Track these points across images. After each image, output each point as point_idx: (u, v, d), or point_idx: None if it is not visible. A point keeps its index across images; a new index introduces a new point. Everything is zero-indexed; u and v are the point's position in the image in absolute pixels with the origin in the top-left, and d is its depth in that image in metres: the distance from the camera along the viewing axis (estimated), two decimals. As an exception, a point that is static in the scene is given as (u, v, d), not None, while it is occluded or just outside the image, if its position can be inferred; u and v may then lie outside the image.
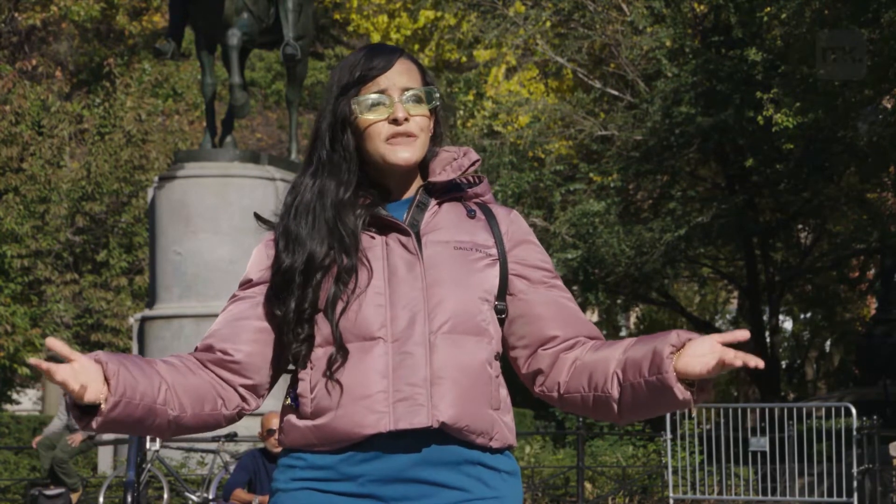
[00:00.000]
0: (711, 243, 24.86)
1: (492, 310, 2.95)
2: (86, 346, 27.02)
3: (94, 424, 2.81)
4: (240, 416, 2.98)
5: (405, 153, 2.92)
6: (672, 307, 28.75)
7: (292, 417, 2.92)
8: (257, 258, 3.02)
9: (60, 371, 2.76)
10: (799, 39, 18.98)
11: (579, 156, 24.71)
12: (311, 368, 2.89)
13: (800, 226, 26.93)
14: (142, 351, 16.82)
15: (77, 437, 16.01)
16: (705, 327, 29.25)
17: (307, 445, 2.90)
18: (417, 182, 3.02)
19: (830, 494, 17.01)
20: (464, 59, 28.11)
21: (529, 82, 27.47)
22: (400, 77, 2.95)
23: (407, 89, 2.94)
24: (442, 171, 3.01)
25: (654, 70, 23.02)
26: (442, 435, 2.86)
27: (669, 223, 22.51)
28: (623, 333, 42.06)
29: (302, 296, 2.89)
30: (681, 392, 2.81)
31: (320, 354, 2.88)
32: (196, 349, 3.02)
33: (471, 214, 3.01)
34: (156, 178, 17.66)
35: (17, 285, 25.17)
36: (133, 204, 25.87)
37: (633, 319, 41.41)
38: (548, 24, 24.38)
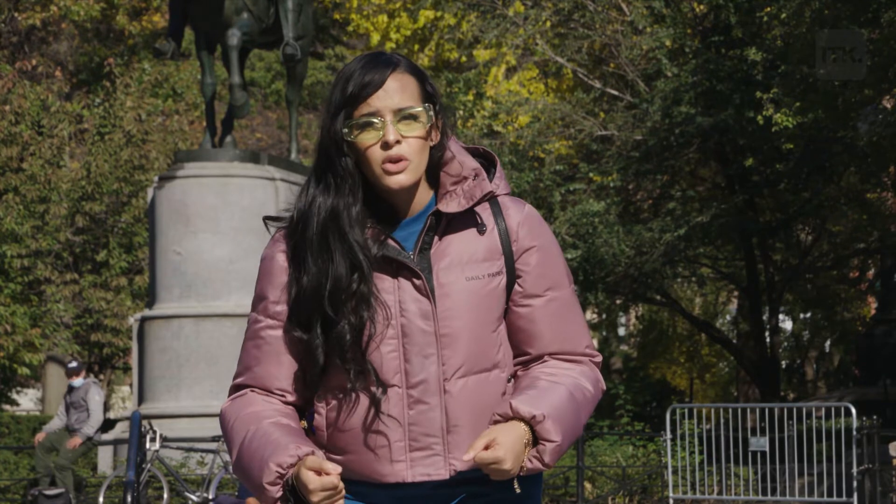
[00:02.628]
0: (711, 243, 24.85)
1: (502, 326, 2.96)
2: (85, 346, 27.03)
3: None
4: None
5: (400, 178, 2.87)
6: (672, 307, 28.74)
7: (310, 441, 2.94)
8: (270, 271, 2.97)
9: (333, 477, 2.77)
10: (799, 39, 18.97)
11: (579, 156, 24.70)
12: (328, 407, 2.91)
13: (800, 226, 26.91)
14: (141, 350, 16.82)
15: (77, 441, 15.99)
16: (705, 327, 29.25)
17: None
18: (426, 192, 2.96)
19: (830, 494, 17.00)
20: (463, 59, 28.11)
21: (529, 82, 27.47)
22: (393, 96, 2.87)
23: (400, 110, 2.87)
24: (452, 197, 2.93)
25: (654, 70, 23.02)
26: (459, 477, 2.90)
27: (669, 223, 22.51)
28: (622, 333, 42.08)
29: (327, 322, 2.87)
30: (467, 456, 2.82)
31: (337, 395, 2.90)
32: (242, 386, 2.99)
33: (481, 231, 2.95)
34: (156, 178, 17.66)
35: (17, 285, 25.17)
36: (133, 204, 25.85)
37: (632, 319, 41.41)
38: (548, 23, 24.37)
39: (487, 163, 3.03)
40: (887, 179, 24.08)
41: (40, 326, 24.99)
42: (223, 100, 24.85)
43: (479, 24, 24.41)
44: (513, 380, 2.97)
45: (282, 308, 2.93)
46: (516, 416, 2.81)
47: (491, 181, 3.00)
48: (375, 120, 2.86)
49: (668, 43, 22.68)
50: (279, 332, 2.94)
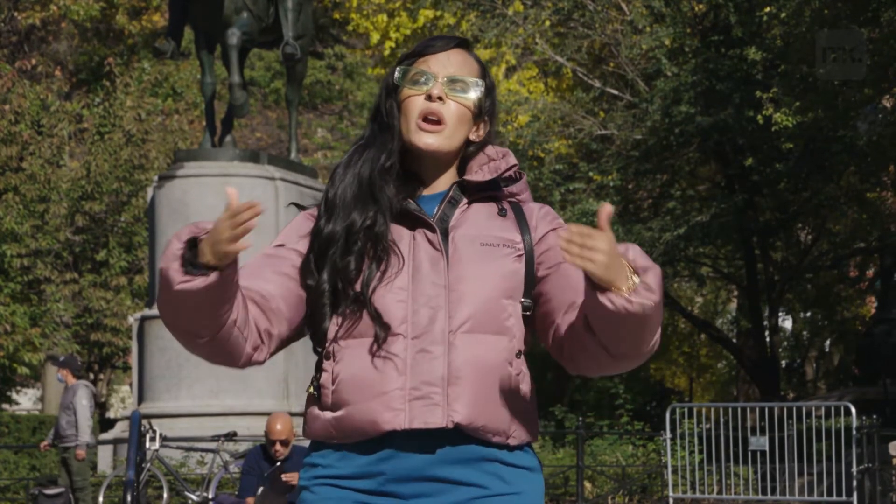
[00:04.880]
0: (711, 243, 24.85)
1: (516, 306, 2.94)
2: (85, 345, 27.02)
3: (200, 282, 2.73)
4: (247, 363, 2.94)
5: (429, 138, 2.93)
6: (672, 307, 28.75)
7: (315, 409, 2.94)
8: (294, 225, 3.02)
9: (242, 211, 2.68)
10: (798, 39, 18.98)
11: (579, 155, 24.71)
12: (334, 361, 2.90)
13: (799, 225, 26.92)
14: (141, 349, 16.83)
15: (81, 453, 15.83)
16: (705, 327, 29.26)
17: (327, 437, 2.92)
18: (452, 177, 3.01)
19: (830, 494, 17.01)
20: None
21: (529, 81, 27.47)
22: (451, 64, 2.98)
23: (453, 77, 2.96)
24: (478, 171, 3.00)
25: (653, 69, 23.02)
26: (458, 434, 2.87)
27: (669, 222, 22.51)
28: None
29: (338, 266, 2.90)
30: (597, 295, 2.70)
31: (342, 346, 2.90)
32: None
33: (502, 213, 3.00)
34: (155, 178, 17.65)
35: (17, 284, 25.17)
36: (133, 203, 25.86)
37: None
38: (547, 23, 24.37)
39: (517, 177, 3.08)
40: (887, 179, 24.09)
41: (40, 326, 24.99)
42: (223, 99, 24.85)
43: (478, 24, 24.40)
44: (522, 356, 2.93)
45: (291, 251, 2.96)
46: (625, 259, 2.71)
47: (516, 191, 3.05)
48: (428, 74, 2.95)
49: (667, 42, 22.68)
50: (282, 263, 2.95)
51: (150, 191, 17.33)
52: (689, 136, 22.22)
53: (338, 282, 2.90)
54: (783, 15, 19.44)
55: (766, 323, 26.36)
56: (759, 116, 19.54)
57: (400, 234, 2.93)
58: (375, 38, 28.84)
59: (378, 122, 3.00)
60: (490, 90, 3.02)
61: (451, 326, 2.86)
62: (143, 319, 16.86)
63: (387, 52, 29.12)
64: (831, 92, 18.86)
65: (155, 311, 16.76)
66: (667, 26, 22.50)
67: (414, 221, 2.93)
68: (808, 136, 21.00)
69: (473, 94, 2.97)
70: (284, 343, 2.99)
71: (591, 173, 23.57)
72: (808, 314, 36.48)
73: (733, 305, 38.38)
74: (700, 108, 21.72)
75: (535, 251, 2.97)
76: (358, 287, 2.88)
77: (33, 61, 29.75)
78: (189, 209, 16.58)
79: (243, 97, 16.89)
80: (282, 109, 33.80)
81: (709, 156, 24.42)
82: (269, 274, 2.95)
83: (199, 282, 2.73)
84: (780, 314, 30.45)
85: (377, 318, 2.86)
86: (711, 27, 22.90)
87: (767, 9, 20.40)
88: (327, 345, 2.92)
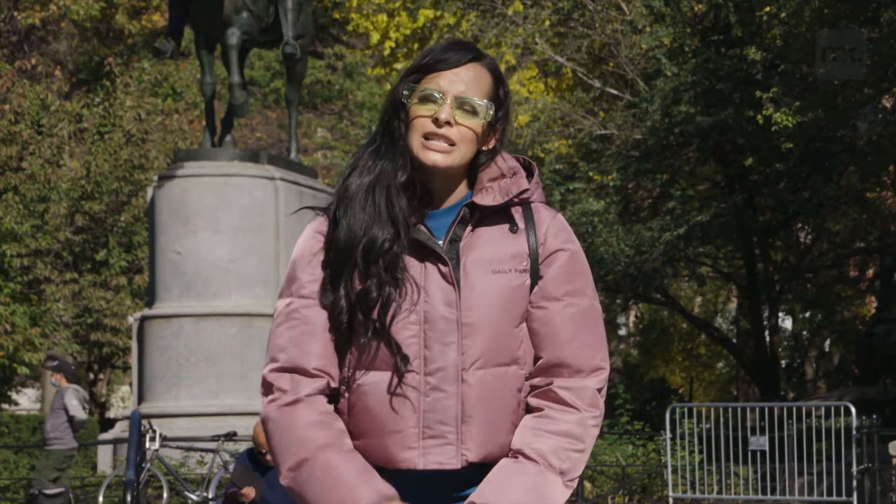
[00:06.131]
0: (711, 242, 24.85)
1: (524, 327, 2.95)
2: (85, 345, 27.02)
3: None
4: None
5: (437, 157, 2.90)
6: (672, 306, 28.76)
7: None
8: (303, 251, 2.97)
9: None
10: (798, 38, 18.98)
11: (579, 155, 24.71)
12: (349, 390, 2.91)
13: (799, 225, 26.93)
14: (141, 349, 16.81)
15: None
16: (705, 326, 29.26)
17: None
18: (462, 189, 2.97)
19: (830, 493, 17.00)
20: (463, 58, 28.08)
21: (529, 81, 27.47)
22: (462, 83, 2.91)
23: (462, 97, 2.90)
24: (488, 192, 2.95)
25: (653, 69, 23.02)
26: (471, 467, 2.90)
27: (669, 222, 22.51)
28: (622, 333, 42.07)
29: (354, 289, 2.88)
30: None
31: (357, 376, 2.90)
32: (291, 370, 2.93)
33: (513, 230, 2.96)
34: (155, 178, 17.64)
35: (17, 284, 25.16)
36: (132, 203, 25.85)
37: (632, 319, 41.41)
38: (547, 23, 24.37)
39: (526, 171, 3.04)
40: (887, 179, 24.08)
41: (40, 326, 24.97)
42: (223, 99, 24.84)
43: (478, 24, 24.40)
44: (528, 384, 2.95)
45: (316, 285, 2.93)
46: None
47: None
48: (437, 95, 2.90)
49: (667, 42, 22.68)
50: (314, 311, 2.92)
51: (149, 191, 17.32)
52: (689, 135, 22.22)
53: (356, 308, 2.88)
54: (783, 15, 19.43)
55: (766, 323, 26.36)
56: (759, 116, 19.54)
57: (411, 265, 2.90)
58: (375, 38, 28.84)
59: (388, 133, 2.95)
60: (503, 101, 2.98)
61: (463, 364, 2.87)
62: (143, 319, 16.85)
63: (387, 52, 29.11)
64: (831, 92, 18.86)
65: (155, 310, 16.75)
66: (667, 26, 22.50)
67: (425, 252, 2.90)
68: (808, 136, 20.99)
69: (482, 119, 2.92)
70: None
71: (591, 173, 23.57)
72: (808, 314, 36.48)
73: (733, 305, 38.38)
74: (700, 108, 21.71)
75: (540, 269, 2.95)
76: (375, 315, 2.86)
77: (33, 61, 29.73)
78: (189, 209, 16.57)
79: (243, 97, 16.89)
80: (282, 109, 33.79)
81: (709, 156, 24.42)
82: (314, 344, 2.92)
83: None
84: (780, 314, 30.44)
85: (394, 352, 2.86)
86: (711, 27, 22.89)
87: (767, 9, 20.40)
88: (343, 370, 2.93)
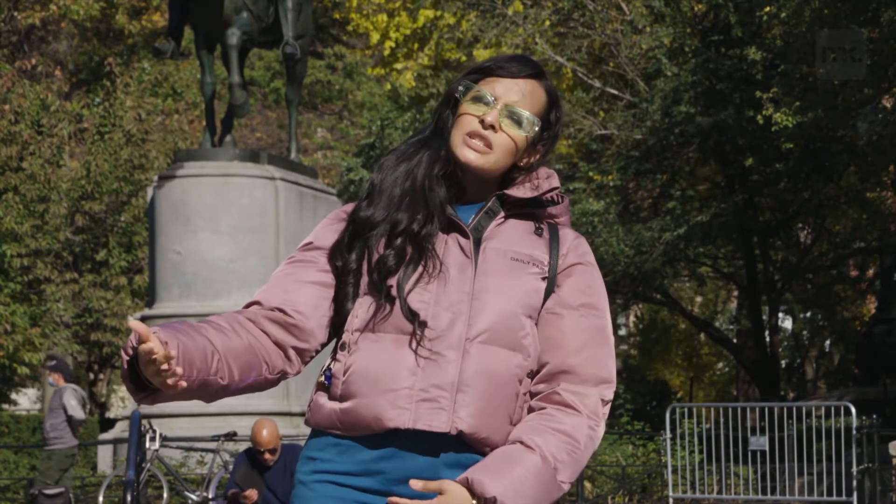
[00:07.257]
0: (711, 242, 24.86)
1: (534, 326, 2.96)
2: (85, 345, 27.03)
3: (150, 401, 2.78)
4: (280, 380, 2.97)
5: (472, 155, 2.95)
6: (672, 306, 28.76)
7: (322, 397, 2.95)
8: (325, 225, 3.06)
9: (153, 342, 2.67)
10: (798, 38, 18.98)
11: (579, 155, 24.72)
12: (349, 352, 2.91)
13: (799, 225, 26.93)
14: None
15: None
16: (705, 326, 29.26)
17: (331, 427, 2.93)
18: (492, 190, 3.03)
19: (830, 493, 17.00)
20: (463, 58, 28.10)
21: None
22: (517, 94, 2.97)
23: (514, 108, 2.96)
24: (520, 188, 3.01)
25: (653, 69, 23.03)
26: (460, 442, 2.88)
27: (669, 222, 22.51)
28: (623, 333, 42.10)
29: (373, 254, 2.93)
30: None
31: (359, 338, 2.91)
32: (252, 304, 2.98)
33: (538, 232, 3.02)
34: (155, 178, 17.64)
35: (17, 284, 25.16)
36: (133, 203, 25.86)
37: (632, 319, 41.43)
38: (547, 23, 24.38)
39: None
40: (887, 179, 24.09)
41: (40, 326, 24.98)
42: (223, 99, 24.85)
43: (478, 24, 24.41)
44: (534, 376, 2.95)
45: (324, 251, 2.99)
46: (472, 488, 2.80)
47: (556, 213, 3.08)
48: (489, 98, 2.96)
49: (667, 42, 22.69)
50: (310, 268, 2.98)
51: (149, 191, 17.33)
52: (689, 136, 22.23)
53: (372, 271, 2.93)
54: (783, 15, 19.44)
55: (766, 323, 26.36)
56: (759, 116, 19.54)
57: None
58: (375, 38, 28.84)
59: (437, 125, 3.03)
60: (553, 124, 3.03)
61: (468, 334, 2.88)
62: (143, 319, 16.84)
63: (387, 52, 29.13)
64: (831, 92, 18.86)
65: (155, 310, 16.76)
66: (667, 26, 22.50)
67: (449, 226, 2.96)
68: (808, 136, 21.00)
69: (526, 131, 2.97)
70: (325, 344, 3.02)
71: (591, 173, 23.58)
72: (808, 314, 36.50)
73: (733, 305, 38.39)
74: (700, 108, 21.72)
75: (558, 279, 2.99)
76: (391, 282, 2.90)
77: (33, 61, 29.74)
78: (189, 209, 16.58)
79: (243, 97, 16.89)
80: (282, 109, 33.80)
81: (709, 156, 24.42)
82: (293, 285, 2.97)
83: (158, 396, 2.77)
84: (780, 314, 30.45)
85: (405, 316, 2.88)
86: (711, 27, 22.90)
87: (767, 9, 20.40)
88: (344, 335, 2.94)
